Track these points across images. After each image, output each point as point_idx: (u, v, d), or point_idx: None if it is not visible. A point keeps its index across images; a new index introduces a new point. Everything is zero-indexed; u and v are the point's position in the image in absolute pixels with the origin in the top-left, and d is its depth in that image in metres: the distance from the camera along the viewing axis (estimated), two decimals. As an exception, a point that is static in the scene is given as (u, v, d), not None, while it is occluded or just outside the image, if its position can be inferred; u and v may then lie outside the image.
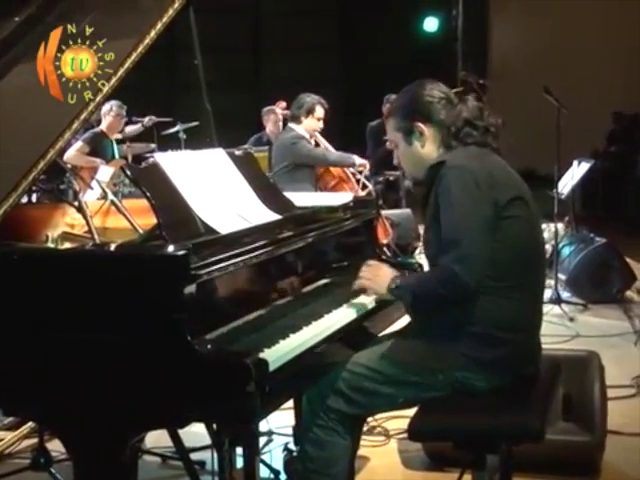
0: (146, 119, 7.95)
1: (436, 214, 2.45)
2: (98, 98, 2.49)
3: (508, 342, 2.45)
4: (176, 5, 2.74)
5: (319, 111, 6.04)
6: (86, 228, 2.62)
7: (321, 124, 6.12)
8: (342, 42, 13.23)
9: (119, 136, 7.59)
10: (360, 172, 6.30)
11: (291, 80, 11.48)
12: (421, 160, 2.61)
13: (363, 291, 2.66)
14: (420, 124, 2.58)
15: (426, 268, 2.93)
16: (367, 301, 2.67)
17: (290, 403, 3.01)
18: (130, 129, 7.88)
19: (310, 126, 6.05)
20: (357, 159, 6.24)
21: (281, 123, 8.48)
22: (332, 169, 6.19)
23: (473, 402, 2.43)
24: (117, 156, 7.29)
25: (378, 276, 2.62)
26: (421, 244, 7.75)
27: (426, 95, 2.59)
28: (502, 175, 2.51)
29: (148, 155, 7.12)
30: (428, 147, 2.60)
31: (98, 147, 7.13)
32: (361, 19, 12.66)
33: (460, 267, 2.35)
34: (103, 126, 7.24)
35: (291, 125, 6.19)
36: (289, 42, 12.66)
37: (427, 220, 2.53)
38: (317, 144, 6.24)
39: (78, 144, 6.93)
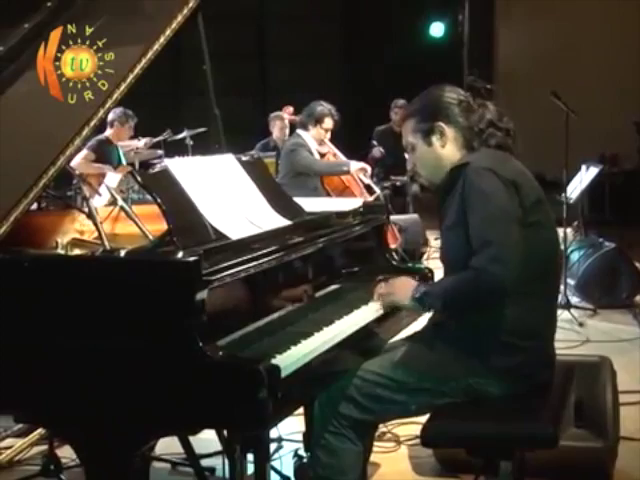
0: (142, 142, 7.41)
1: (459, 216, 2.40)
2: (108, 104, 2.49)
3: (524, 349, 2.44)
4: (185, 12, 2.74)
5: (328, 122, 6.02)
6: (96, 234, 2.62)
7: (328, 135, 6.09)
8: (348, 47, 13.23)
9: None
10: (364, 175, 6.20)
11: (297, 85, 11.50)
12: (441, 161, 2.55)
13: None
14: (442, 124, 2.54)
15: (437, 273, 2.91)
16: (378, 307, 2.66)
17: (300, 409, 3.00)
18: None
19: (316, 135, 6.04)
20: (353, 165, 6.03)
21: (287, 129, 8.48)
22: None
23: (486, 408, 2.42)
24: (123, 162, 7.27)
25: (399, 287, 2.58)
26: (429, 249, 7.78)
27: (447, 97, 2.58)
28: (524, 179, 2.48)
29: (155, 161, 7.14)
30: (449, 147, 2.55)
31: (104, 154, 7.11)
32: (366, 24, 12.66)
33: (496, 267, 2.29)
34: (108, 133, 7.23)
35: (298, 131, 6.19)
36: (295, 47, 12.67)
37: (447, 223, 2.47)
38: (324, 154, 6.19)
39: (84, 152, 6.89)
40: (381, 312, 2.64)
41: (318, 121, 5.99)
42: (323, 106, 6.03)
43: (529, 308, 2.44)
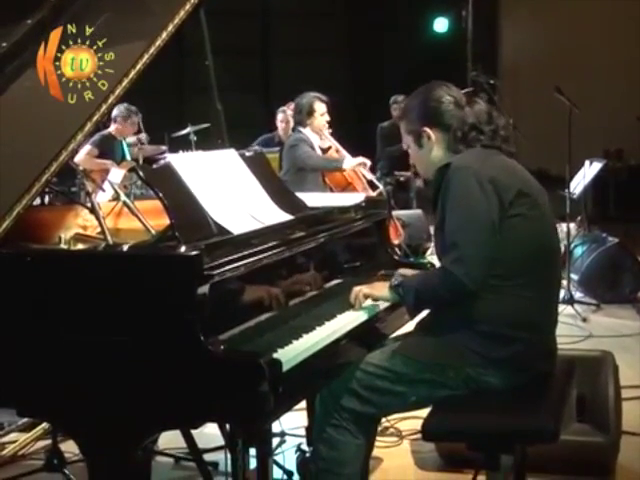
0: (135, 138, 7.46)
1: (442, 216, 2.48)
2: (110, 100, 2.48)
3: (520, 340, 2.46)
4: (187, 7, 2.75)
5: (319, 107, 5.85)
6: (99, 229, 2.63)
7: (327, 117, 5.96)
8: (352, 43, 13.21)
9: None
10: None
11: (301, 82, 11.47)
12: (430, 163, 2.64)
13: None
14: (427, 129, 2.61)
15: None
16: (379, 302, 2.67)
17: (303, 404, 3.01)
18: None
19: (317, 125, 5.92)
20: (348, 162, 5.90)
21: (289, 123, 8.46)
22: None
23: (487, 402, 2.43)
24: (128, 157, 7.27)
25: (374, 283, 2.67)
26: (433, 245, 7.78)
27: (434, 100, 2.60)
28: (507, 174, 2.51)
29: (159, 157, 7.17)
30: (436, 151, 2.62)
31: (107, 149, 7.11)
32: (370, 20, 12.64)
33: (457, 269, 2.38)
34: (112, 129, 7.23)
35: (298, 128, 6.13)
36: (299, 44, 12.66)
37: (437, 222, 2.55)
38: (326, 149, 6.15)
39: (87, 147, 6.88)
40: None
41: (311, 112, 5.85)
42: (306, 96, 5.89)
43: (525, 299, 2.47)
